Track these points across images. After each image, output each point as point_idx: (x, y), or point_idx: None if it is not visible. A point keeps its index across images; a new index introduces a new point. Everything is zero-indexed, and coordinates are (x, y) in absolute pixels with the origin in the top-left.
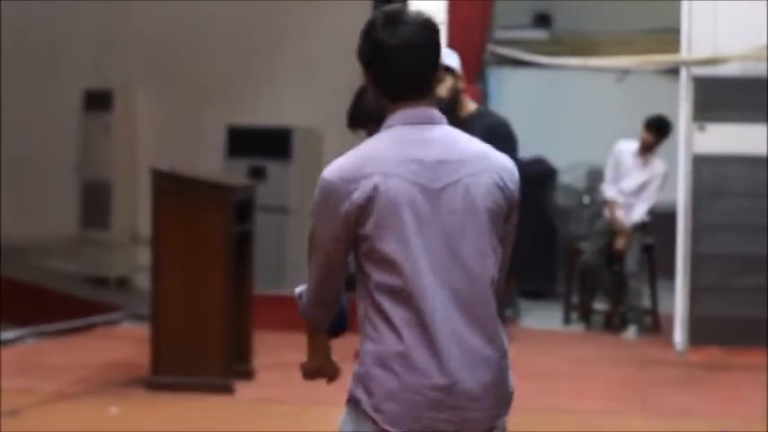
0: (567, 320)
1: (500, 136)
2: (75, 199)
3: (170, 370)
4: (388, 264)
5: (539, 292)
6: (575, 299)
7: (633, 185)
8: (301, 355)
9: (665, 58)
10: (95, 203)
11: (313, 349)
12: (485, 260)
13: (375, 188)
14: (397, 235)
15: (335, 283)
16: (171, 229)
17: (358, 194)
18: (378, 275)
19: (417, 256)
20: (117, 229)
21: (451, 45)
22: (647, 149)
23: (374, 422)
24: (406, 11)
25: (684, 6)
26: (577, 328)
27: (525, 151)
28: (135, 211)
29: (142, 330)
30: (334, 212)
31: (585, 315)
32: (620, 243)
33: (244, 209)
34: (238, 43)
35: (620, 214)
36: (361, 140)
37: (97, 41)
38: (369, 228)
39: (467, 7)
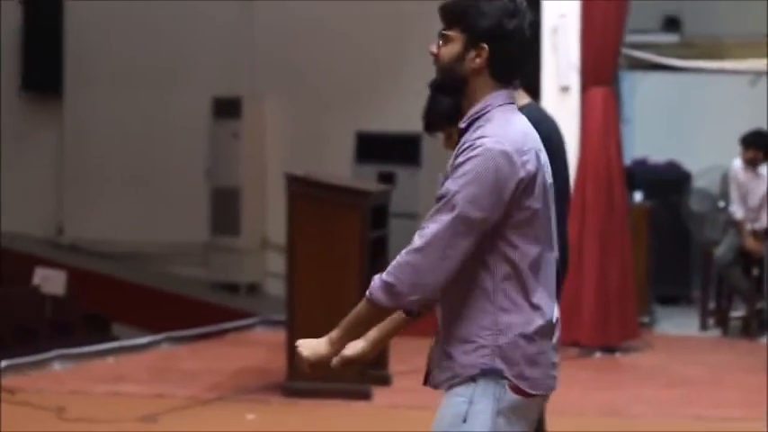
0: (703, 326)
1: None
2: (205, 205)
3: (306, 376)
4: (536, 236)
5: (674, 298)
6: (711, 304)
7: (756, 200)
8: None
9: None
10: (225, 210)
11: (346, 335)
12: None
13: (539, 161)
14: (541, 212)
15: (463, 260)
16: (306, 234)
17: (531, 165)
18: (524, 247)
19: (545, 230)
20: (247, 236)
21: (585, 47)
22: (754, 164)
23: (516, 389)
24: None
25: None
26: (714, 333)
27: (658, 155)
28: (264, 216)
29: (275, 336)
30: (506, 181)
31: (722, 320)
32: (752, 243)
33: (379, 214)
34: (367, 48)
35: (750, 241)
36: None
37: (225, 49)
38: (531, 200)
39: (601, 10)
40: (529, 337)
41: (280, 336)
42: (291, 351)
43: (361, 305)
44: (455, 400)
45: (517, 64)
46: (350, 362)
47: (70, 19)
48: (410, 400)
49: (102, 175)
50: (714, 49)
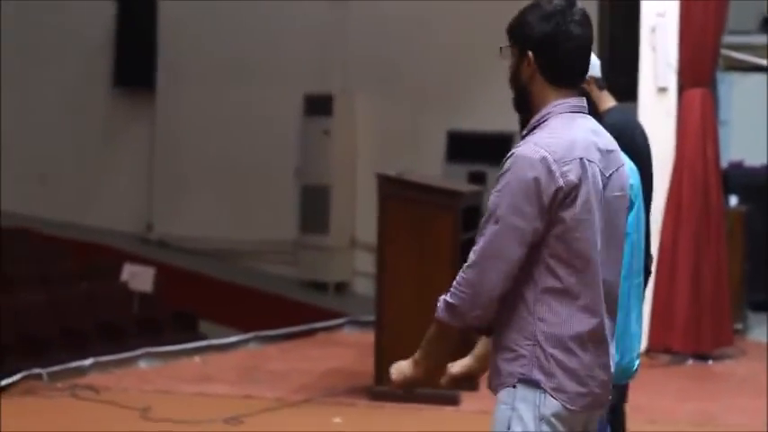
0: None
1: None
2: (294, 203)
3: None
4: (577, 252)
5: (767, 304)
6: None
7: None
8: None
9: None
10: (315, 208)
11: (427, 356)
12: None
13: (585, 171)
14: (589, 225)
15: (515, 270)
16: (397, 235)
17: (572, 175)
18: (564, 263)
19: (596, 249)
20: (336, 234)
21: (684, 47)
22: None
23: (555, 401)
24: (576, 3)
25: None
26: None
27: (755, 158)
28: (353, 215)
29: (364, 337)
30: (545, 191)
31: None
32: None
33: (471, 215)
34: (457, 47)
35: None
36: None
37: (317, 46)
38: (573, 211)
39: (700, 9)
40: (569, 350)
41: (368, 336)
42: (380, 353)
43: (432, 326)
44: (500, 407)
45: (569, 64)
46: (457, 379)
47: (163, 16)
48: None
49: (193, 172)
50: None
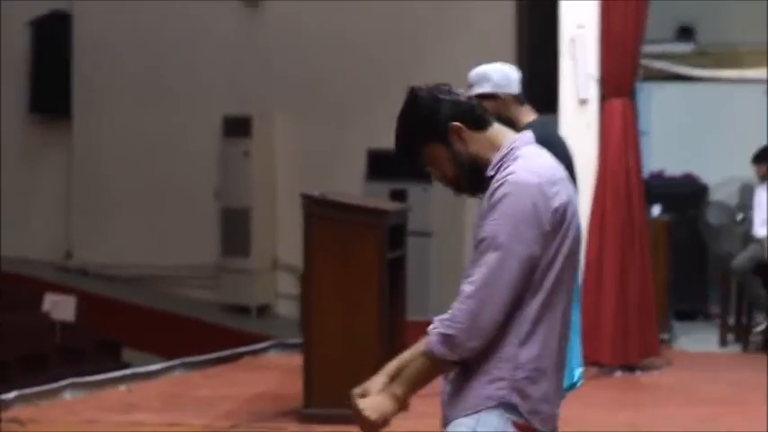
0: (723, 342)
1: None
2: (215, 226)
3: (324, 402)
4: (562, 268)
5: (691, 313)
6: (730, 319)
7: None
8: None
9: None
10: (235, 230)
11: (411, 390)
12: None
13: (568, 196)
14: (569, 245)
15: (513, 298)
16: (322, 255)
17: (562, 197)
18: (552, 280)
19: (568, 263)
20: (257, 256)
21: (604, 58)
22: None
23: (523, 428)
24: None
25: None
26: (734, 349)
27: (674, 168)
28: (275, 237)
29: (290, 360)
30: (542, 213)
31: (744, 336)
32: None
33: (397, 233)
34: (376, 65)
35: None
36: None
37: (234, 67)
38: (564, 230)
39: (620, 18)
40: (544, 372)
41: (294, 359)
42: (308, 374)
43: (421, 361)
44: (459, 429)
45: (468, 109)
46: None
47: (78, 40)
48: (430, 425)
49: (111, 198)
50: (729, 58)
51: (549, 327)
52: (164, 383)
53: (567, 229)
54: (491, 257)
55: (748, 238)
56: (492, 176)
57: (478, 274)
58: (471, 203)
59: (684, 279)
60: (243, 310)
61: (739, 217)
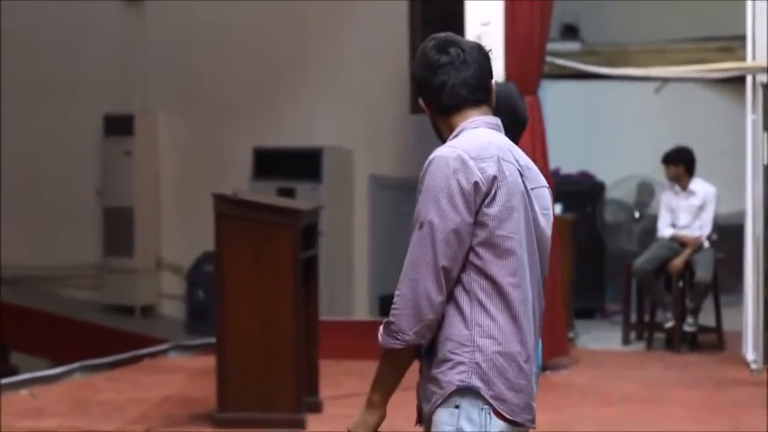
0: (626, 340)
1: None
2: (97, 226)
3: (238, 405)
4: (506, 252)
5: (589, 311)
6: (632, 317)
7: (687, 220)
8: (363, 384)
9: (731, 66)
10: (118, 230)
11: (385, 392)
12: (547, 266)
13: (500, 169)
14: (513, 224)
15: (452, 282)
16: (236, 255)
17: (491, 170)
18: (494, 264)
19: (522, 248)
20: (141, 256)
21: (510, 55)
22: (682, 181)
23: (499, 415)
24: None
25: (749, 14)
26: (637, 347)
27: (570, 166)
28: (159, 236)
29: (191, 362)
30: (464, 187)
31: (648, 333)
32: (678, 262)
33: (310, 233)
34: (262, 62)
35: (677, 261)
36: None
37: (116, 65)
38: (494, 209)
39: (525, 16)
40: (508, 357)
41: (195, 361)
42: (222, 376)
43: (381, 360)
44: (444, 429)
45: (445, 99)
46: None
47: None
48: (344, 427)
49: None
50: (617, 56)
51: (510, 311)
52: (66, 387)
53: (500, 206)
54: (415, 237)
55: (648, 237)
56: None
57: (408, 255)
58: (360, 202)
59: (582, 277)
60: (126, 311)
61: (637, 215)
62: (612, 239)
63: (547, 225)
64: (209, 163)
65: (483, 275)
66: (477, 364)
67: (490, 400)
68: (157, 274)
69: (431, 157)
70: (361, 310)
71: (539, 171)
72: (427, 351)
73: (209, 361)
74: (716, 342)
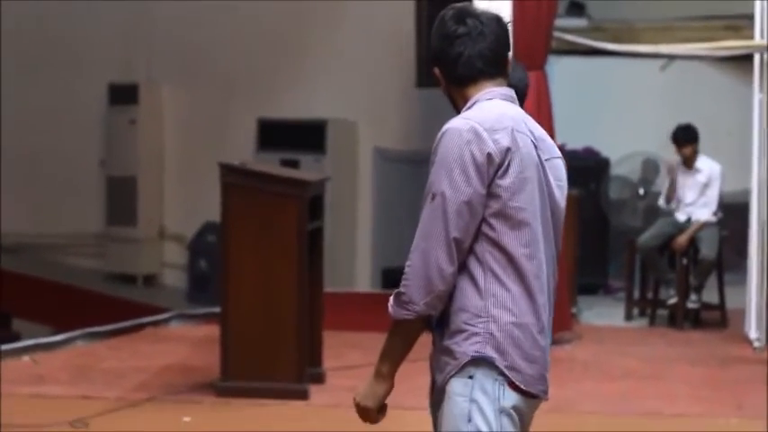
0: (628, 316)
1: None
2: (101, 195)
3: (241, 374)
4: (519, 223)
5: (592, 287)
6: (635, 293)
7: (692, 197)
8: (366, 356)
9: (738, 44)
10: (122, 199)
11: (393, 363)
12: (561, 239)
13: (514, 140)
14: (527, 195)
15: (463, 253)
16: (241, 225)
17: (504, 142)
18: (508, 236)
19: (537, 220)
20: (144, 226)
21: (518, 30)
22: (690, 159)
23: (513, 386)
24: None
25: None
26: (639, 323)
27: (576, 142)
28: (162, 206)
29: (193, 330)
30: (477, 157)
31: (651, 309)
32: (682, 239)
33: (315, 204)
34: (267, 34)
35: (682, 238)
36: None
37: (122, 34)
38: (507, 181)
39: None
40: (523, 327)
41: (197, 330)
42: (225, 345)
43: (390, 330)
44: (456, 400)
45: (477, 59)
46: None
47: None
48: (347, 399)
49: None
50: (624, 33)
51: (524, 282)
52: (68, 355)
53: (514, 177)
54: (427, 208)
55: (653, 214)
56: None
57: (420, 226)
58: (364, 175)
59: (586, 253)
60: (129, 280)
61: (641, 192)
62: (617, 216)
63: (561, 197)
64: (212, 134)
65: (496, 247)
66: (491, 334)
67: (504, 370)
68: (160, 243)
69: (444, 128)
70: (364, 282)
71: (553, 143)
72: (438, 322)
73: (211, 330)
74: (719, 320)
